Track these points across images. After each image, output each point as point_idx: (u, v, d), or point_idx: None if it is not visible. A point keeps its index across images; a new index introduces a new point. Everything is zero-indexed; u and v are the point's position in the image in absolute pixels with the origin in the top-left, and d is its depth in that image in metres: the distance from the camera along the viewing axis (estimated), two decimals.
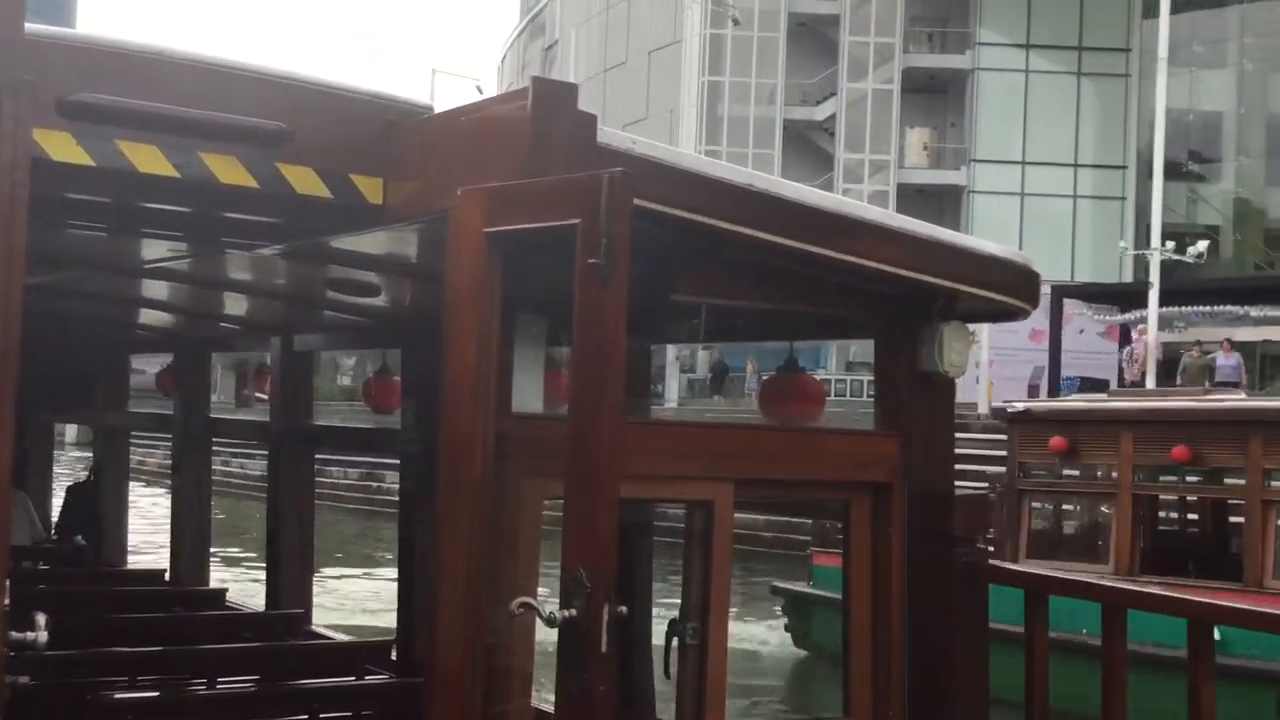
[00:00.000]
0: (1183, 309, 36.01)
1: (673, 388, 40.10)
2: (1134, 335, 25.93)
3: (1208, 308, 35.68)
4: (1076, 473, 12.55)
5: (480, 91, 59.51)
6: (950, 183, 46.56)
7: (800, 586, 13.88)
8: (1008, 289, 3.71)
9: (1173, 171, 47.16)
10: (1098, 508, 12.54)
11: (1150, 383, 23.80)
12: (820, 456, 3.60)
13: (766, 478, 3.48)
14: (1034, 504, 12.46)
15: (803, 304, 3.60)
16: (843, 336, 4.16)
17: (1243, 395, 23.08)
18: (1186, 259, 25.88)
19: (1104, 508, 12.29)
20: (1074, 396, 17.23)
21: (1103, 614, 3.54)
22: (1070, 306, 45.10)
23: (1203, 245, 26.24)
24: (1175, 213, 46.96)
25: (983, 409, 29.39)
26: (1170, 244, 27.71)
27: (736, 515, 3.28)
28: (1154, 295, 24.96)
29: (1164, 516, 13.36)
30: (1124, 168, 46.32)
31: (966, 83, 46.76)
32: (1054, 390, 38.75)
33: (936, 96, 47.66)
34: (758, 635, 14.80)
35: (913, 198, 46.17)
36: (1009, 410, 12.78)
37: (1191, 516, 13.21)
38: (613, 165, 2.69)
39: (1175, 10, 47.46)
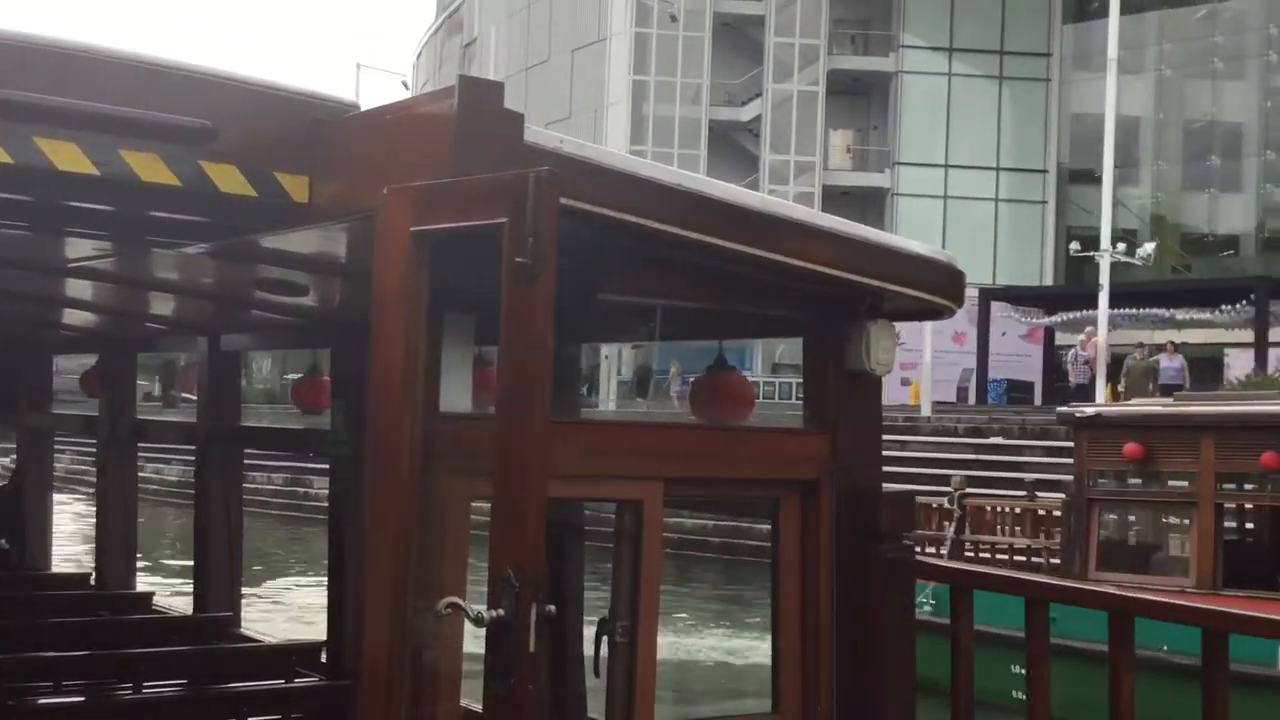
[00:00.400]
0: (1113, 312, 36.75)
1: (610, 388, 40.23)
2: (1084, 338, 26.07)
3: (1133, 310, 36.42)
4: (1139, 480, 11.92)
5: (406, 87, 59.30)
6: (874, 185, 47.08)
7: None
8: (934, 288, 3.77)
9: (1090, 176, 48.15)
10: (1171, 517, 11.92)
11: (1100, 386, 23.94)
12: (750, 454, 3.64)
13: (696, 476, 3.51)
14: (1105, 514, 11.84)
15: (732, 303, 3.64)
16: (772, 335, 4.20)
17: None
18: (1135, 261, 26.28)
19: (1177, 518, 11.72)
20: (1096, 405, 16.45)
21: (1026, 609, 3.61)
22: (995, 309, 45.85)
23: (1150, 247, 26.65)
24: (1093, 216, 47.92)
25: (925, 411, 29.81)
26: (1121, 246, 27.77)
27: (685, 520, 3.30)
28: (1104, 297, 25.10)
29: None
30: (1044, 172, 47.14)
31: (890, 85, 47.32)
32: (982, 393, 39.36)
33: (859, 99, 48.15)
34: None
35: (837, 200, 46.60)
36: (1076, 415, 12.19)
37: (1249, 526, 12.61)
38: (540, 164, 2.70)
39: (1095, 16, 48.54)
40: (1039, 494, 15.08)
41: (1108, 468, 11.76)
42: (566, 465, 3.03)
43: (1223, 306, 33.70)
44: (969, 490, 15.62)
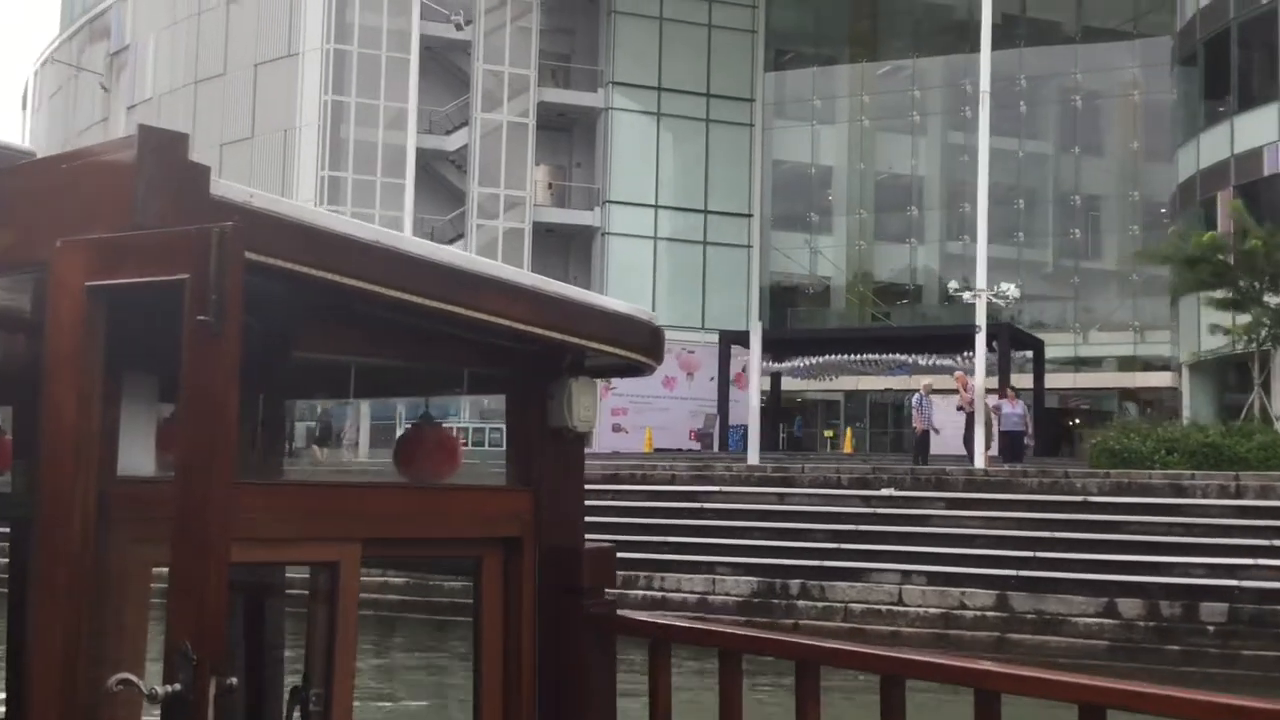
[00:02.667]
0: (812, 360, 38.36)
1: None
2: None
3: (829, 357, 38.23)
4: None
5: (105, 88, 55.57)
6: (583, 224, 47.81)
7: None
8: (635, 346, 3.89)
9: (794, 222, 50.50)
10: None
11: (979, 431, 23.42)
12: (452, 513, 3.65)
13: (396, 536, 3.49)
14: None
15: (434, 360, 3.65)
16: (476, 392, 4.24)
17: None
18: (1000, 300, 25.85)
19: None
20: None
21: (719, 660, 3.76)
22: (701, 353, 47.29)
23: (1013, 287, 26.31)
24: (793, 261, 50.26)
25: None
26: (1011, 286, 27.55)
27: (390, 579, 3.27)
28: (980, 339, 24.80)
29: None
30: (749, 216, 49.05)
31: (597, 122, 48.31)
32: (725, 441, 40.20)
33: (562, 135, 48.79)
34: None
35: (544, 237, 47.18)
36: None
37: None
38: (227, 218, 2.66)
39: (791, 65, 51.08)
40: None
41: None
42: (257, 528, 2.98)
43: (965, 354, 35.64)
44: None
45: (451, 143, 46.24)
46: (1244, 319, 23.60)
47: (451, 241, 46.05)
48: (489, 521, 3.70)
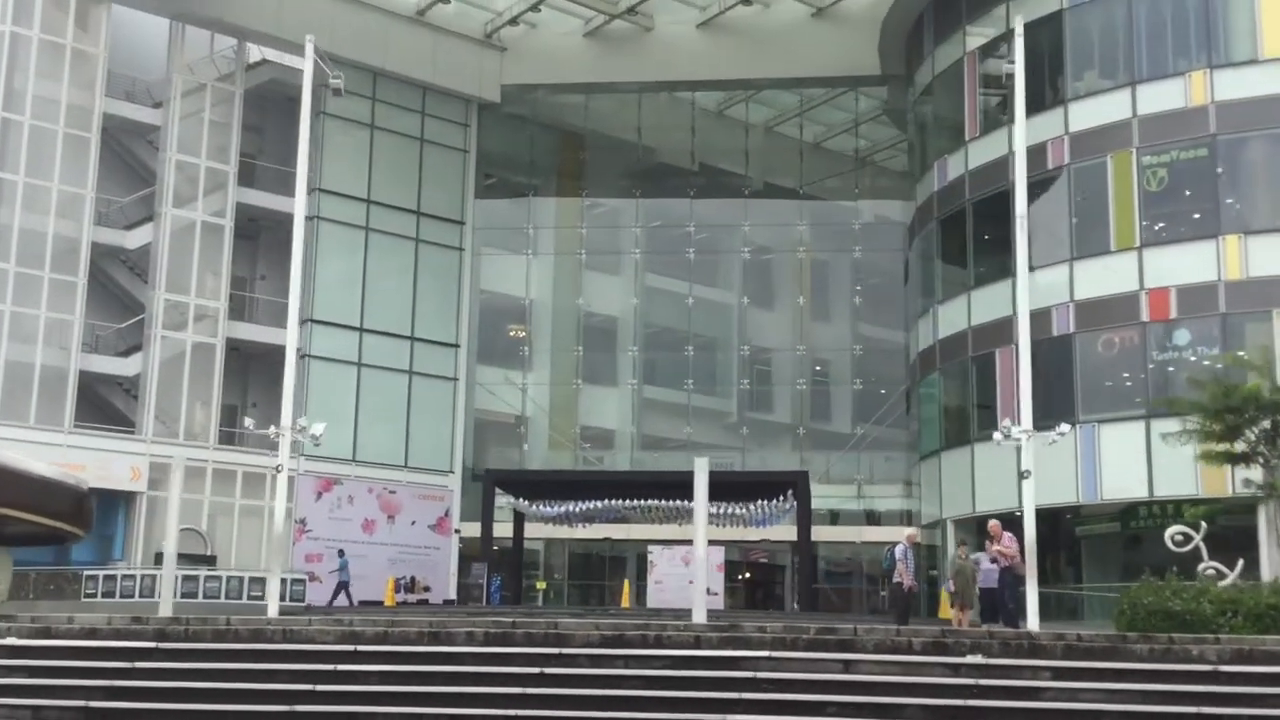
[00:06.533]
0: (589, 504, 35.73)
1: None
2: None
3: (602, 502, 35.78)
4: None
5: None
6: (274, 342, 42.73)
7: None
8: (58, 514, 3.43)
9: (503, 356, 47.83)
10: None
11: (1031, 589, 20.63)
12: None
13: None
14: None
15: None
16: None
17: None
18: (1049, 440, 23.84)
19: None
20: None
21: None
22: (403, 494, 43.25)
23: (1064, 428, 24.48)
24: (499, 399, 47.43)
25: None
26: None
27: None
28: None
29: None
30: (456, 346, 45.94)
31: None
32: (489, 595, 36.12)
33: (245, 242, 43.81)
34: None
35: (231, 356, 41.93)
36: None
37: None
38: None
39: (496, 194, 49.05)
40: None
41: None
42: None
43: (761, 501, 34.04)
44: None
45: (132, 239, 40.17)
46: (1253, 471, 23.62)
47: (127, 354, 39.73)
48: None
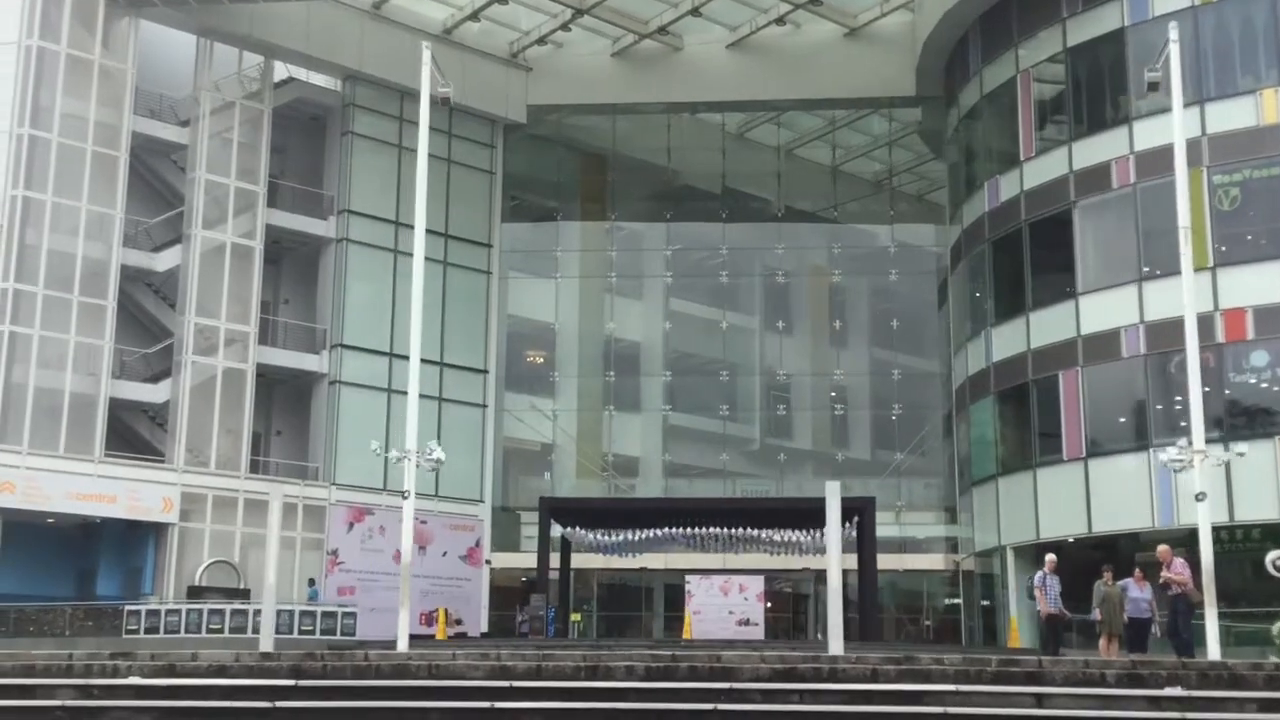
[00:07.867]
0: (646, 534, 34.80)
1: None
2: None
3: (661, 530, 34.89)
4: None
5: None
6: (308, 369, 41.61)
7: None
8: None
9: (530, 383, 46.86)
10: None
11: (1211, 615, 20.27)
12: None
13: None
14: None
15: None
16: None
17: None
18: None
19: None
20: None
21: None
22: (434, 524, 42.12)
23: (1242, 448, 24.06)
24: (528, 426, 46.42)
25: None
26: None
27: None
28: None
29: None
30: (484, 372, 44.96)
31: (323, 253, 42.80)
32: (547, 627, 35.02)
33: (268, 265, 42.64)
34: None
35: (265, 386, 40.77)
36: None
37: None
38: None
39: (522, 217, 48.18)
40: None
41: None
42: None
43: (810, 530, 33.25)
44: None
45: (161, 261, 38.98)
46: None
47: (155, 380, 38.48)
48: None
